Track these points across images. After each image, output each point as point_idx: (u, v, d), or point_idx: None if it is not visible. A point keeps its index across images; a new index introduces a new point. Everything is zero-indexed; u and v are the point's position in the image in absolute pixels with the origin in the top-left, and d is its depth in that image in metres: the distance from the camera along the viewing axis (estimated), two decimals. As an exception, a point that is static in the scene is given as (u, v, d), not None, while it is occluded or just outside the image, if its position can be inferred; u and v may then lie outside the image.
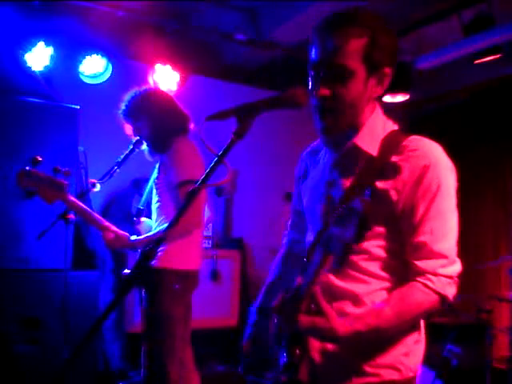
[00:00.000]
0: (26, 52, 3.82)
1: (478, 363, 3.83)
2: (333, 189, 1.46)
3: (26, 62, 3.83)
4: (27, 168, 2.49)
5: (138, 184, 4.40)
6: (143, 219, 2.89)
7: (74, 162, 3.65)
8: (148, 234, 2.68)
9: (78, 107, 3.70)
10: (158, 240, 1.28)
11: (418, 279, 1.32)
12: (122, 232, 2.65)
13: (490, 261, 4.64)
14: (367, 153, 1.39)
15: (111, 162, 2.81)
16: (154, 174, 2.82)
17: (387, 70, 1.39)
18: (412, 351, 1.41)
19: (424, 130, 1.62)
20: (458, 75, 4.90)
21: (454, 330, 3.84)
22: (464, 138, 5.17)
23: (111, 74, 4.18)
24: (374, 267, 1.39)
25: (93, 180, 2.84)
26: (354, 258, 1.38)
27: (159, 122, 2.73)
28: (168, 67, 4.35)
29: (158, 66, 4.33)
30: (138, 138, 2.78)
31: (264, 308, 1.68)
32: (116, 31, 4.22)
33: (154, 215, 2.79)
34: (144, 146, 2.80)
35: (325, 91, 1.37)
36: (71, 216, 2.79)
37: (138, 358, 2.73)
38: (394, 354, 1.38)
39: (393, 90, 4.20)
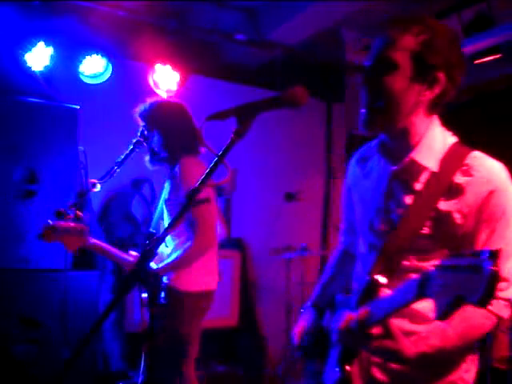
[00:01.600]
0: (25, 52, 3.83)
1: (478, 363, 3.82)
2: (391, 203, 1.44)
3: (26, 62, 3.83)
4: (50, 222, 2.46)
5: (138, 184, 4.40)
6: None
7: (74, 162, 3.65)
8: (167, 262, 2.60)
9: (78, 107, 3.70)
10: (158, 241, 1.28)
11: None
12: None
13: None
14: (428, 168, 1.38)
15: (111, 162, 2.81)
16: (165, 195, 2.77)
17: (440, 76, 1.36)
18: (471, 368, 1.47)
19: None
20: (458, 75, 4.89)
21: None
22: (464, 137, 5.14)
23: (111, 74, 4.18)
24: None
25: (93, 180, 2.83)
26: (414, 275, 1.34)
27: (171, 139, 2.70)
28: (168, 67, 4.35)
29: (158, 66, 4.33)
30: (141, 140, 2.74)
31: (320, 308, 1.68)
32: (116, 31, 4.23)
33: (169, 238, 2.73)
34: (146, 157, 2.78)
35: (367, 80, 1.38)
36: (71, 216, 2.77)
37: (138, 358, 2.73)
38: (458, 371, 1.43)
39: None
